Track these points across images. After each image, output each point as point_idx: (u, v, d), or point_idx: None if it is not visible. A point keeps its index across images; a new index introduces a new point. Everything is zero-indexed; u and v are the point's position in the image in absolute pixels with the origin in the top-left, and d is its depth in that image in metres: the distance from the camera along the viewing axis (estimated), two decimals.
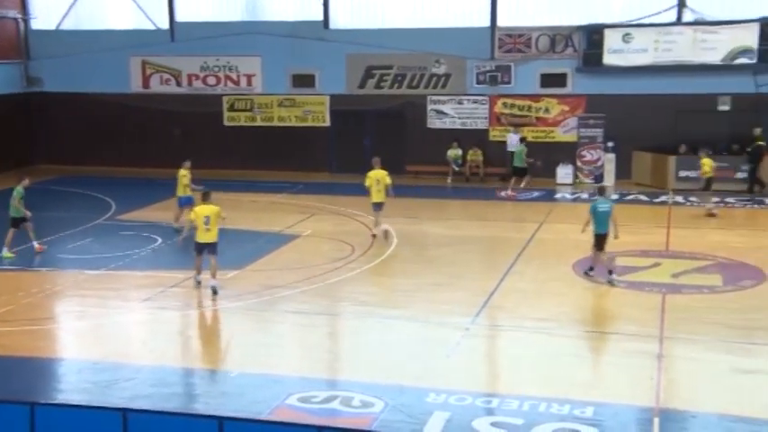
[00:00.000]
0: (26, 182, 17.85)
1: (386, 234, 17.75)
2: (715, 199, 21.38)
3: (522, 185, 23.81)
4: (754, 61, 23.78)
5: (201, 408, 10.10)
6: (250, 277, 15.86)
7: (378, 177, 18.45)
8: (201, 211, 14.62)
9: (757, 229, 19.40)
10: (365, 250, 17.78)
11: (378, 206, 18.48)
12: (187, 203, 18.92)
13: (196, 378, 11.40)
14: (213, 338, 13.12)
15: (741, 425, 9.40)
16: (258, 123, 28.69)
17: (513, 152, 25.49)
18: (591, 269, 15.41)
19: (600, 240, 15.16)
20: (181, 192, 19.51)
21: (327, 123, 28.18)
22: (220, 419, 7.98)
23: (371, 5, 27.42)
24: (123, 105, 29.02)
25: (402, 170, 27.33)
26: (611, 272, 15.06)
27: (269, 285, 15.21)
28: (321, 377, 11.21)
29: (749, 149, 23.59)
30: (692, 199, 22.86)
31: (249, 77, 28.65)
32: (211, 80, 28.94)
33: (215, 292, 14.44)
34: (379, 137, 27.60)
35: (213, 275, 14.52)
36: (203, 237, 14.56)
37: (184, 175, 19.55)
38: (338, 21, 27.76)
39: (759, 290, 14.64)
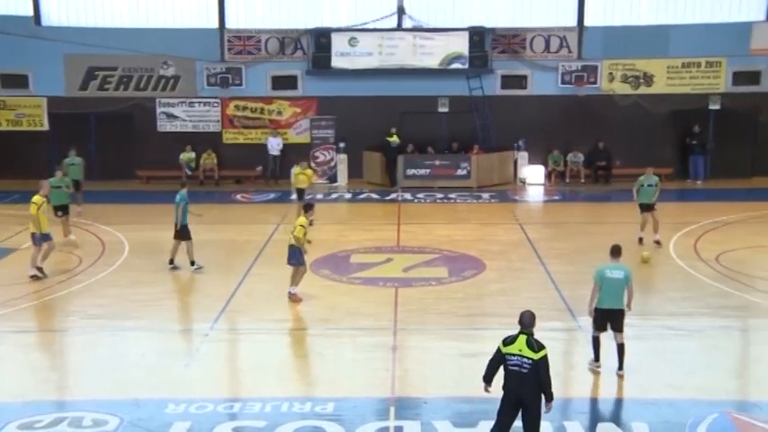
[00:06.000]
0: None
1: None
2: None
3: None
4: (466, 66, 25.65)
5: None
6: None
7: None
8: None
9: (477, 223, 20.90)
10: (94, 260, 16.82)
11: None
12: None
13: None
14: None
15: (466, 405, 10.09)
16: None
17: (275, 156, 25.53)
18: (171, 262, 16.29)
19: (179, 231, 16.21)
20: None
21: (46, 127, 26.30)
22: None
23: (90, 3, 25.97)
24: None
25: (132, 175, 26.31)
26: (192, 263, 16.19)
27: None
28: (47, 399, 10.39)
29: (390, 147, 25.28)
30: (419, 196, 24.21)
31: None
32: None
33: None
34: (106, 141, 26.29)
35: None
36: None
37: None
38: (52, 17, 25.97)
39: (479, 278, 15.79)
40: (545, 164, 26.41)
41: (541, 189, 25.63)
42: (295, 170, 20.29)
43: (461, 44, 25.50)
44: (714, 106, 26.03)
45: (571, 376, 11.31)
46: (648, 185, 18.03)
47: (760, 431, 9.42)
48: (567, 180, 26.21)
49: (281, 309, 13.97)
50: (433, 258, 17.18)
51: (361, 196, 24.63)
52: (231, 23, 26.21)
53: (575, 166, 26.34)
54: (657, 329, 12.81)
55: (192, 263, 16.17)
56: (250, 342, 12.85)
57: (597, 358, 11.09)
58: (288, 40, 26.14)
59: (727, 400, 10.36)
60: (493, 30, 25.87)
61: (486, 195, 24.32)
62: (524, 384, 8.43)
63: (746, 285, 14.95)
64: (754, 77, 25.98)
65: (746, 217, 20.55)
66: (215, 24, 26.08)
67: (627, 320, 10.94)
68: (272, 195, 24.00)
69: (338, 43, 25.56)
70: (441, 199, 23.98)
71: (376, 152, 25.99)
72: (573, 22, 26.05)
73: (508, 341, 8.58)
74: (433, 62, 25.59)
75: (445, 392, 10.48)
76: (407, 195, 24.37)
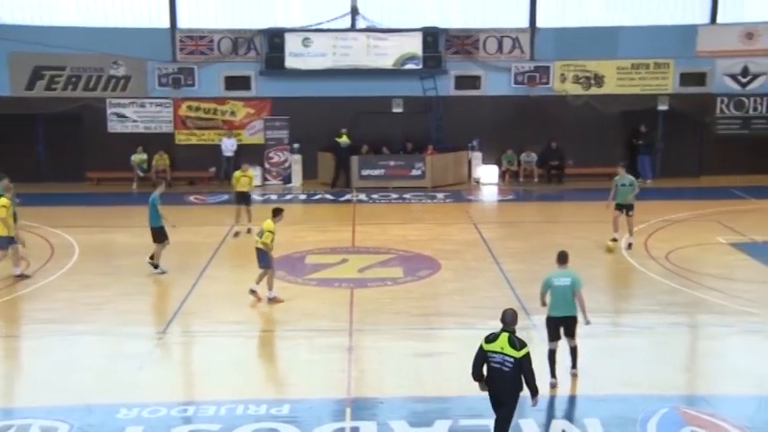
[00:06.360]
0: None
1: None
2: None
3: None
4: (420, 67, 25.73)
5: None
6: None
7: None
8: None
9: (431, 222, 20.97)
10: (43, 264, 16.49)
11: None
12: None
13: None
14: None
15: (422, 404, 10.13)
16: None
17: (229, 157, 25.25)
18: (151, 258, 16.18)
19: (154, 233, 16.20)
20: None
21: None
22: None
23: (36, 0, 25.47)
24: None
25: (83, 177, 25.89)
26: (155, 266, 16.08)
27: None
28: None
29: (340, 147, 25.25)
30: (374, 196, 24.22)
31: None
32: None
33: None
34: (55, 142, 25.86)
35: None
36: None
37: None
38: None
39: (434, 278, 15.85)
40: (499, 164, 26.62)
41: (495, 189, 25.83)
42: (236, 173, 19.94)
43: (415, 45, 25.59)
44: (663, 107, 26.50)
45: None
46: (622, 185, 17.62)
47: (707, 424, 9.62)
48: (521, 180, 26.44)
49: (235, 311, 13.87)
50: (388, 258, 17.21)
51: (316, 197, 24.58)
52: (183, 23, 25.94)
53: (528, 165, 26.59)
54: (609, 327, 13.00)
55: (156, 266, 16.10)
56: (204, 344, 12.73)
57: (553, 374, 10.54)
58: (241, 41, 25.96)
59: (677, 394, 10.58)
60: (446, 31, 25.99)
61: (440, 195, 24.43)
62: (505, 382, 8.48)
63: (695, 282, 15.25)
64: (700, 79, 26.53)
65: (695, 215, 20.97)
66: (166, 24, 25.78)
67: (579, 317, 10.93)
68: (225, 197, 23.75)
69: (292, 44, 25.46)
70: (395, 199, 24.02)
71: (330, 153, 25.90)
72: (525, 24, 26.31)
73: (490, 339, 8.60)
74: (386, 63, 25.63)
75: (401, 392, 10.51)
76: (362, 196, 24.36)
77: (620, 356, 11.81)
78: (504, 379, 8.47)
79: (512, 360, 8.41)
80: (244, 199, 19.48)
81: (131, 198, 24.60)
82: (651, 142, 26.40)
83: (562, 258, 10.93)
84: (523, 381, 8.53)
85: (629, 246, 17.58)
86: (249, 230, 19.02)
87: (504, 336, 8.55)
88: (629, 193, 17.59)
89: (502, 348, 8.47)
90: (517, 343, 8.49)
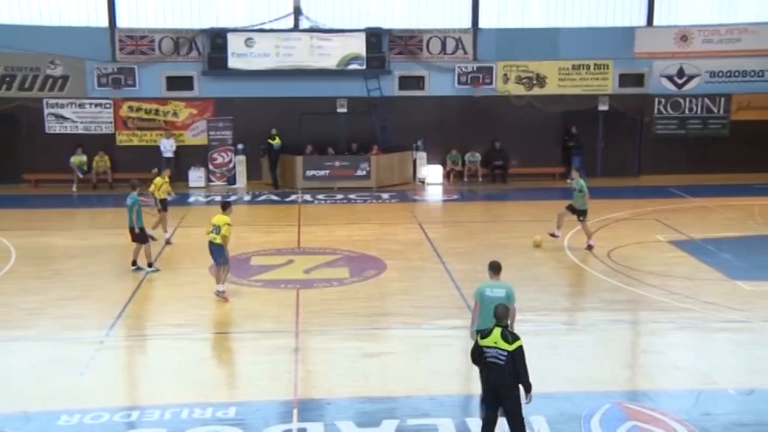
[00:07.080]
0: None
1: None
2: None
3: None
4: (364, 67, 25.75)
5: None
6: None
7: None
8: None
9: (377, 223, 20.98)
10: None
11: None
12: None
13: None
14: None
15: (369, 405, 10.14)
16: None
17: (168, 158, 24.84)
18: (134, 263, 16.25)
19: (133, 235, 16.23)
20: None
21: None
22: None
23: None
24: None
25: (19, 179, 25.27)
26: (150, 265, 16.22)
27: None
28: None
29: (272, 149, 25.19)
30: (319, 197, 24.16)
31: None
32: None
33: None
34: None
35: None
36: None
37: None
38: None
39: (380, 278, 15.86)
40: (443, 164, 26.78)
41: (440, 189, 25.97)
42: (157, 180, 19.25)
43: (359, 45, 25.58)
44: (603, 107, 26.98)
45: (472, 374, 11.49)
46: (573, 189, 17.92)
47: (648, 418, 9.82)
48: (465, 179, 26.64)
49: (179, 313, 13.68)
50: (334, 259, 17.17)
51: (261, 198, 24.40)
52: (122, 23, 25.49)
53: (472, 165, 26.80)
54: (553, 324, 13.19)
55: (150, 264, 16.08)
56: (148, 348, 12.55)
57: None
58: (182, 41, 25.62)
59: (619, 390, 10.77)
60: (389, 31, 26.05)
61: (385, 195, 24.47)
62: (501, 377, 8.59)
63: (636, 280, 15.55)
64: (638, 80, 27.08)
65: (635, 214, 21.41)
66: (105, 23, 25.30)
67: (522, 317, 10.97)
68: (169, 198, 23.40)
69: (234, 44, 25.23)
70: (341, 200, 23.99)
71: (262, 154, 25.70)
72: (468, 24, 26.52)
73: (485, 334, 8.73)
74: (330, 63, 25.58)
75: (348, 393, 10.50)
76: (307, 197, 24.26)
77: (565, 354, 11.97)
78: (500, 373, 8.59)
79: (505, 353, 8.54)
80: (165, 206, 19.20)
81: (71, 200, 24.12)
82: (582, 143, 26.75)
83: (495, 268, 10.26)
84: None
85: (589, 247, 17.54)
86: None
87: (497, 330, 8.68)
88: (579, 198, 17.72)
89: (495, 343, 8.61)
90: (509, 336, 8.63)
